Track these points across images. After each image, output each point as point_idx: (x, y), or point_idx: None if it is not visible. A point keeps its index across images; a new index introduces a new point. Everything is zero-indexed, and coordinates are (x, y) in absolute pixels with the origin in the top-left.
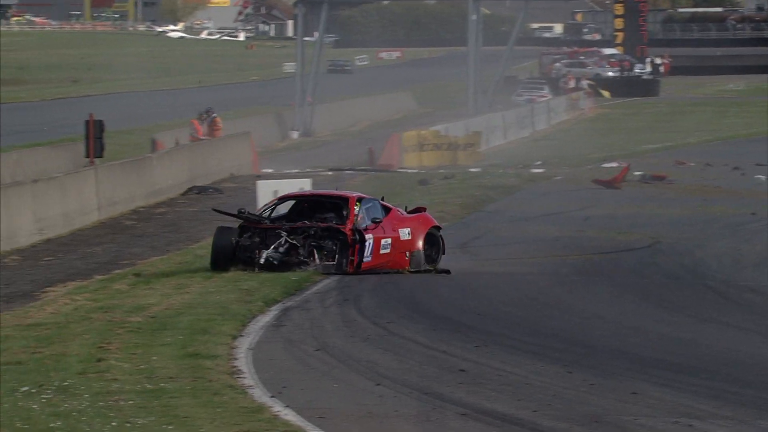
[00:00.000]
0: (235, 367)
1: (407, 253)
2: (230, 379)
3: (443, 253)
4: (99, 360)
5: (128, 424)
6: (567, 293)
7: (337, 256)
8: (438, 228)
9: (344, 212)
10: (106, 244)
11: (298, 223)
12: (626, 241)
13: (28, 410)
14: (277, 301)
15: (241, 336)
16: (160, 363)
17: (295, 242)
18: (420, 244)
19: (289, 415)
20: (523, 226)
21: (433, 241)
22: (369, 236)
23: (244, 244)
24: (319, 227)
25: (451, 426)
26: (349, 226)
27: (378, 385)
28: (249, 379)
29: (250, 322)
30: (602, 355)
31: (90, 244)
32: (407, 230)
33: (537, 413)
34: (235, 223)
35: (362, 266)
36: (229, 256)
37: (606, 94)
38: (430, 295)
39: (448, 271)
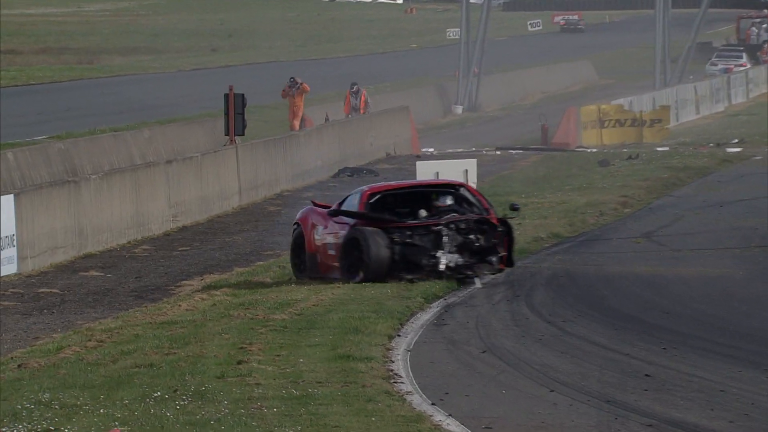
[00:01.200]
0: (391, 370)
1: None
2: (386, 385)
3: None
4: (239, 362)
5: None
6: (767, 288)
7: (498, 253)
8: None
9: (467, 201)
10: (248, 233)
11: (450, 217)
12: None
13: (161, 418)
14: (438, 297)
15: (398, 336)
16: (308, 366)
17: (472, 240)
18: None
19: (452, 425)
20: (717, 214)
21: None
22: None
23: (416, 246)
24: (471, 220)
25: None
26: (493, 216)
27: (552, 391)
28: (407, 384)
29: (408, 320)
30: None
31: (229, 232)
32: None
33: (733, 424)
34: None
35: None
36: (388, 264)
37: None
38: (611, 290)
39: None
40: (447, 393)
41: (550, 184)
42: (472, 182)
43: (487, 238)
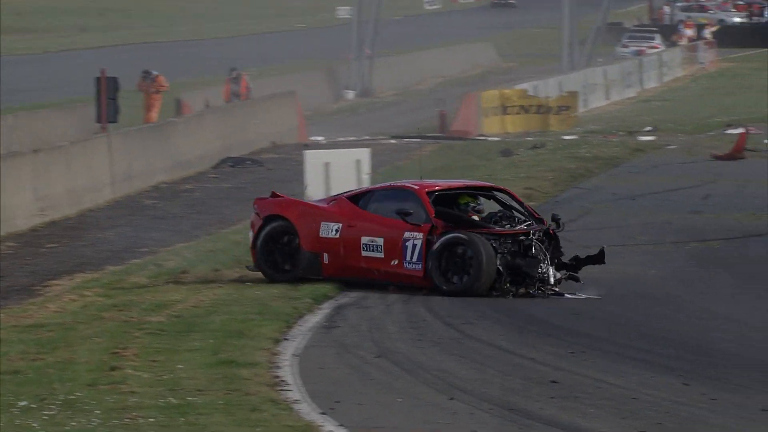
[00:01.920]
0: (277, 377)
1: None
2: (272, 392)
3: None
4: (113, 369)
5: None
6: (682, 288)
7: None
8: None
9: (513, 207)
10: (121, 228)
11: (536, 227)
12: (754, 225)
13: (28, 429)
14: (328, 298)
15: (285, 340)
16: (187, 372)
17: (547, 251)
18: None
19: None
20: (628, 207)
21: None
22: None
23: (528, 257)
24: (543, 230)
25: None
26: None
27: (451, 399)
28: (295, 392)
29: (296, 322)
30: (725, 364)
31: (101, 227)
32: None
33: None
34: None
35: None
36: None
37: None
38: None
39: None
40: (338, 401)
41: (448, 175)
42: (366, 174)
43: (555, 251)
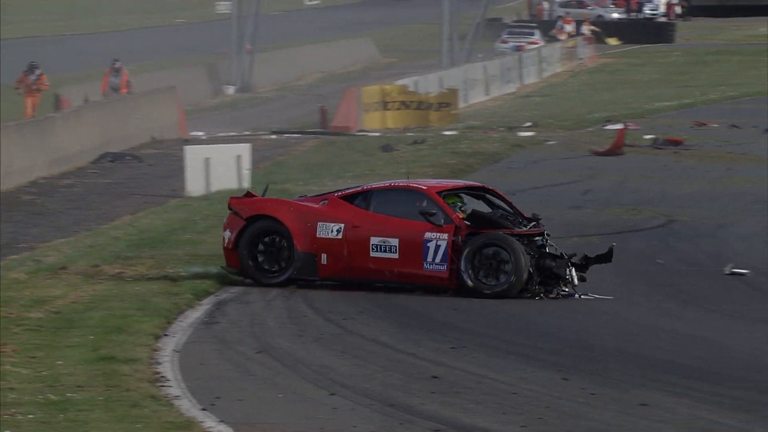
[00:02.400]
0: (158, 373)
1: None
2: (152, 388)
3: None
4: None
5: None
6: None
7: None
8: None
9: (501, 207)
10: None
11: (542, 227)
12: (634, 220)
13: None
14: (209, 293)
15: (166, 336)
16: (66, 368)
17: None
18: None
19: None
20: None
21: None
22: None
23: (558, 258)
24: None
25: None
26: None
27: (332, 395)
28: (175, 388)
29: (176, 318)
30: (604, 358)
31: None
32: None
33: (526, 429)
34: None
35: None
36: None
37: (613, 41)
38: (394, 285)
39: None
40: (218, 397)
41: (329, 170)
42: (246, 170)
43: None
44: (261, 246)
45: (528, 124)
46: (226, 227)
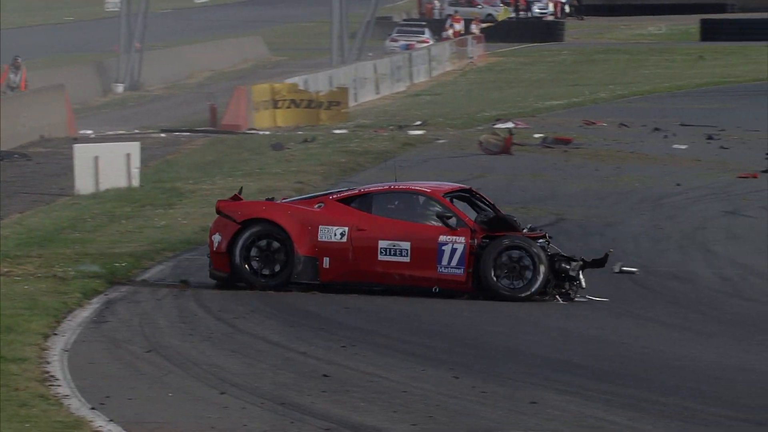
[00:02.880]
0: (47, 372)
1: None
2: (41, 388)
3: None
4: None
5: None
6: None
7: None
8: None
9: (482, 209)
10: None
11: (539, 230)
12: (523, 218)
13: None
14: (98, 292)
15: (55, 335)
16: None
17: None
18: None
19: (113, 431)
20: None
21: None
22: None
23: (570, 260)
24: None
25: None
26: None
27: (222, 393)
28: (64, 387)
29: (65, 317)
30: (495, 357)
31: None
32: None
33: (417, 427)
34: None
35: None
36: None
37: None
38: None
39: None
40: (108, 396)
41: (219, 169)
42: (135, 168)
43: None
44: (254, 250)
45: (418, 122)
46: (215, 231)
